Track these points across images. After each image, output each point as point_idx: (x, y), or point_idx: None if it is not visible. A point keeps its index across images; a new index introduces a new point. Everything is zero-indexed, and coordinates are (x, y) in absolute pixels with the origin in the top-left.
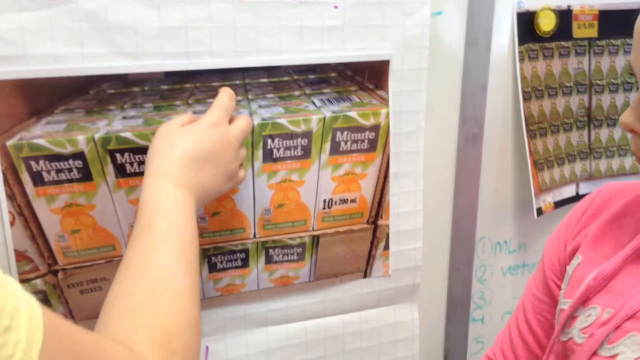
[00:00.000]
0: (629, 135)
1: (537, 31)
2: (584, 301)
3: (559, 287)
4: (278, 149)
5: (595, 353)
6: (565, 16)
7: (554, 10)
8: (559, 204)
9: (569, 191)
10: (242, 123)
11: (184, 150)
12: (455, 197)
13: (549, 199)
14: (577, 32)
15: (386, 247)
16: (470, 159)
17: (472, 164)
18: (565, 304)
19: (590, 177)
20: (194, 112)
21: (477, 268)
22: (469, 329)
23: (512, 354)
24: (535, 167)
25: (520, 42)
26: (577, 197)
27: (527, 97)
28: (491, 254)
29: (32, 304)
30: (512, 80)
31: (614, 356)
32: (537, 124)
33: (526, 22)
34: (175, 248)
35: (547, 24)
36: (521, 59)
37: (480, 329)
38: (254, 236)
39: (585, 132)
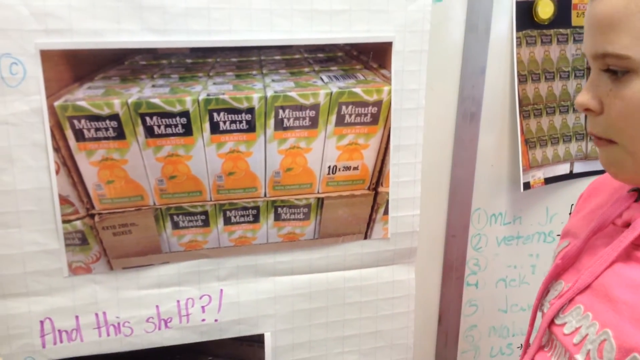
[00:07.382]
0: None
1: (536, 19)
2: (555, 277)
3: None
4: (288, 119)
5: (552, 321)
6: (564, 5)
7: (553, 0)
8: (550, 180)
9: (562, 169)
10: None
11: None
12: (453, 170)
13: (540, 175)
14: (575, 20)
15: (386, 212)
16: (468, 135)
17: (470, 139)
18: None
19: (586, 157)
20: (214, 84)
21: (473, 236)
22: (464, 292)
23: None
24: (526, 145)
25: (519, 29)
26: (571, 175)
27: (522, 80)
28: (487, 224)
29: None
30: (509, 64)
31: (564, 324)
32: (531, 105)
33: (525, 10)
34: None
35: (545, 12)
36: (519, 44)
37: (475, 293)
38: (265, 195)
39: (582, 115)
